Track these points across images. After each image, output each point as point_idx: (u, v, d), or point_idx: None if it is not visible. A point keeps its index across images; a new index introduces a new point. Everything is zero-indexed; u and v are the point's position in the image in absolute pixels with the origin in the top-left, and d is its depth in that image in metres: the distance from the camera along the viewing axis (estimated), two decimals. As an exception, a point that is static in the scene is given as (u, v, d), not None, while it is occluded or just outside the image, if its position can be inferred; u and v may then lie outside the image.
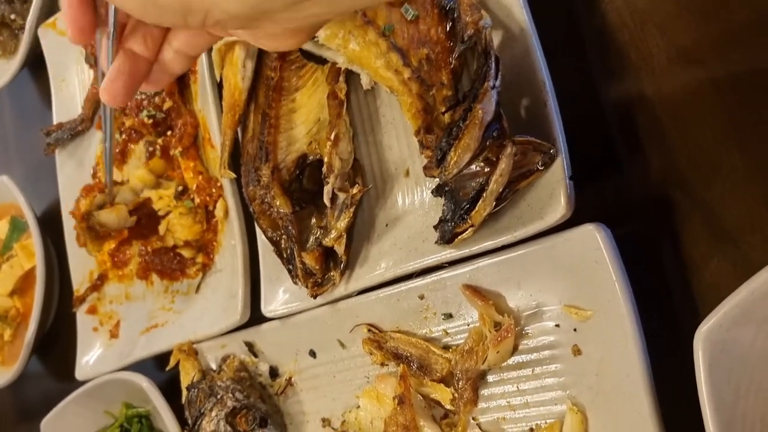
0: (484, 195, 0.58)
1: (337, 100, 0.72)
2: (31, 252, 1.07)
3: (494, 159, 0.58)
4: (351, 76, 0.73)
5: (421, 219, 0.69)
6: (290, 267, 0.75)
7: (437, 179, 0.65)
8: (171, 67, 0.48)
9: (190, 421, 0.81)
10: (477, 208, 0.59)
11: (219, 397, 0.78)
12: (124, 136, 0.97)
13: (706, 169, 0.57)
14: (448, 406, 0.66)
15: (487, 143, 0.57)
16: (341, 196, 0.71)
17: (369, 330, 0.72)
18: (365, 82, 0.70)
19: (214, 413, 0.77)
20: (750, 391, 0.50)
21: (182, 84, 0.90)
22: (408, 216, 0.70)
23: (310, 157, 0.75)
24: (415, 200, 0.70)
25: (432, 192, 0.66)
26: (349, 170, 0.72)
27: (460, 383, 0.65)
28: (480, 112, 0.56)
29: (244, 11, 0.38)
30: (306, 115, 0.76)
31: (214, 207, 0.87)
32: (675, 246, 0.58)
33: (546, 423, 0.61)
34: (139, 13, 0.41)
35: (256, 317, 0.82)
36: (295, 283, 0.75)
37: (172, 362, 0.86)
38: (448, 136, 0.58)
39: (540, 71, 0.60)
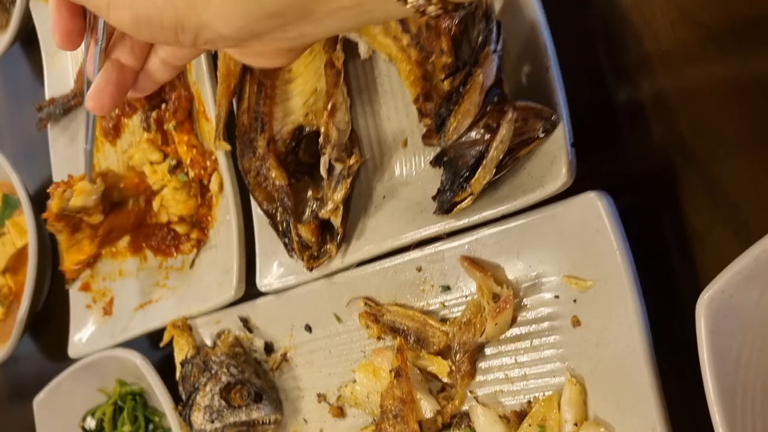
0: (484, 162, 0.57)
1: (334, 69, 0.70)
2: (24, 229, 1.05)
3: (494, 125, 0.57)
4: (348, 45, 0.72)
5: (419, 190, 0.67)
6: (286, 240, 0.74)
7: (436, 150, 0.64)
8: (157, 77, 0.48)
9: (184, 397, 0.80)
10: (477, 176, 0.57)
11: (213, 372, 0.77)
12: (117, 111, 0.95)
13: (709, 136, 0.56)
14: (446, 379, 0.65)
15: (488, 109, 0.56)
16: (338, 167, 0.70)
17: (365, 303, 0.71)
18: (363, 50, 0.69)
19: (208, 388, 0.77)
20: (751, 360, 0.49)
21: (176, 56, 0.89)
22: (406, 187, 0.69)
23: (307, 129, 0.74)
24: (413, 171, 0.69)
25: (431, 162, 0.65)
26: (346, 141, 0.71)
27: (458, 356, 0.64)
28: (480, 76, 0.55)
29: (234, 33, 0.39)
30: (302, 85, 0.74)
31: (209, 181, 0.85)
32: (677, 214, 0.57)
33: (544, 395, 0.61)
34: (133, 30, 0.42)
35: (251, 292, 0.81)
36: (291, 256, 0.74)
37: (166, 338, 0.85)
38: (448, 102, 0.57)
39: (542, 36, 0.58)
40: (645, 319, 0.54)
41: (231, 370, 0.77)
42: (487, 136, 0.57)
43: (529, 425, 0.59)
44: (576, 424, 0.58)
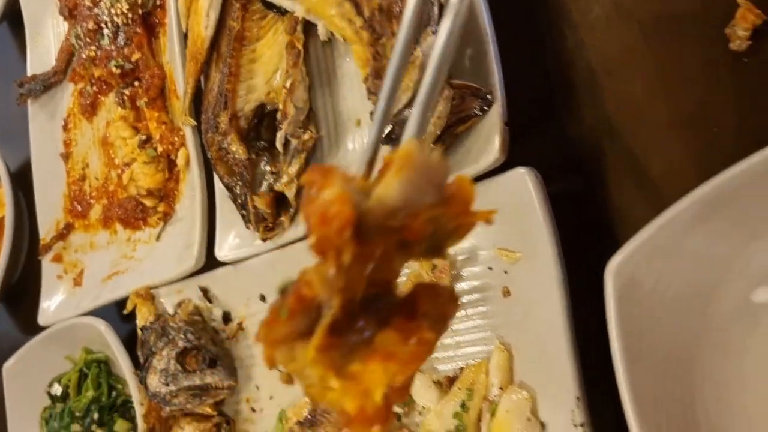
0: (423, 137, 0.60)
1: (294, 49, 0.74)
2: (2, 202, 1.08)
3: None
4: (310, 29, 0.75)
5: (369, 166, 0.71)
6: (244, 212, 0.77)
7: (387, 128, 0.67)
8: None
9: (141, 360, 0.83)
10: (416, 151, 0.61)
11: (170, 337, 0.80)
12: (94, 88, 0.99)
13: (634, 121, 0.60)
14: (386, 347, 0.69)
15: (426, 86, 0.59)
16: (294, 142, 0.73)
17: (316, 274, 0.74)
18: (322, 32, 0.73)
19: (164, 352, 0.80)
20: (655, 327, 0.53)
21: (152, 36, 0.92)
22: (357, 163, 0.72)
23: (269, 107, 0.77)
24: (364, 147, 0.72)
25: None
26: (303, 118, 0.74)
27: (398, 324, 0.67)
28: (420, 54, 0.58)
29: None
30: (266, 65, 0.78)
31: (177, 156, 0.89)
32: (602, 193, 0.61)
33: (476, 362, 0.64)
34: None
35: (213, 264, 0.84)
36: (248, 227, 0.77)
37: (128, 307, 0.88)
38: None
39: (482, 21, 0.62)
40: (566, 290, 0.58)
41: (188, 336, 0.80)
42: (426, 113, 0.61)
43: (459, 389, 0.63)
44: (501, 388, 0.61)
